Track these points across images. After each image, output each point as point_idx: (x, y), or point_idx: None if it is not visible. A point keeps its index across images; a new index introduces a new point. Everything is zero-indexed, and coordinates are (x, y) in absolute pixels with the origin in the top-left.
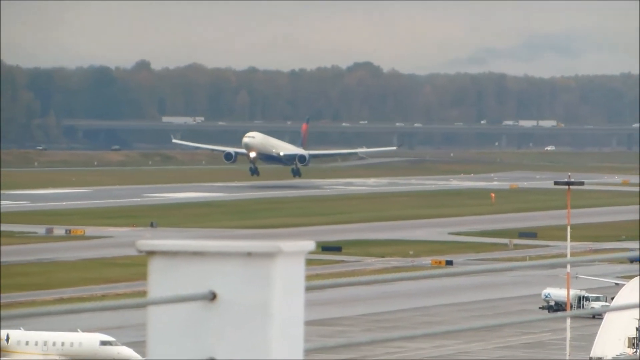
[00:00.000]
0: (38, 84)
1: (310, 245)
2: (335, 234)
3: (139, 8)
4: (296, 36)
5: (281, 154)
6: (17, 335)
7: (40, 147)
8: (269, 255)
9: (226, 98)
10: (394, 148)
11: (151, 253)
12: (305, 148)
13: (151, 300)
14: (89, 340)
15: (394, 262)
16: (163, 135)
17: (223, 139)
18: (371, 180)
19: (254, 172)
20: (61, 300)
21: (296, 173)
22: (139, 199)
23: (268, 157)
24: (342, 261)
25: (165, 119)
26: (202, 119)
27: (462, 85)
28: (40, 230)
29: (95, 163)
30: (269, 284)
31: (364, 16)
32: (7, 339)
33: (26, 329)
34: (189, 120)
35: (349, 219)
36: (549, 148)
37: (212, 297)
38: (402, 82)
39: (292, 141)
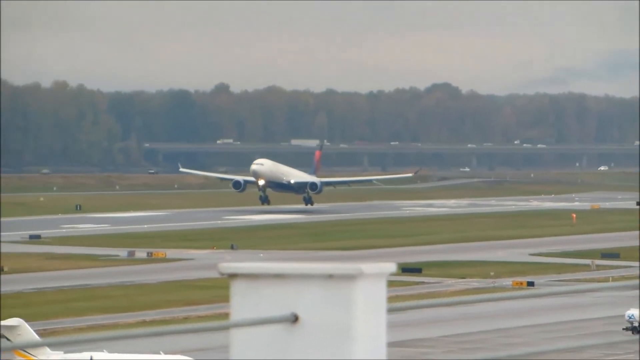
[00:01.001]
0: (119, 107)
1: (391, 267)
2: (415, 255)
3: (217, 32)
4: (374, 58)
5: (292, 181)
6: (100, 357)
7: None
8: (350, 277)
9: (304, 120)
10: (411, 175)
11: (233, 276)
12: (317, 175)
13: (234, 323)
14: None
15: (474, 283)
16: (242, 158)
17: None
18: (451, 202)
19: (264, 200)
20: (143, 323)
21: (308, 201)
22: (219, 222)
23: (278, 185)
24: (423, 282)
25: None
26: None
27: (541, 106)
28: (123, 253)
29: (176, 186)
30: (351, 305)
31: (442, 37)
32: None
33: (110, 351)
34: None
35: (429, 240)
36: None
37: (294, 319)
38: (481, 103)
39: (371, 163)
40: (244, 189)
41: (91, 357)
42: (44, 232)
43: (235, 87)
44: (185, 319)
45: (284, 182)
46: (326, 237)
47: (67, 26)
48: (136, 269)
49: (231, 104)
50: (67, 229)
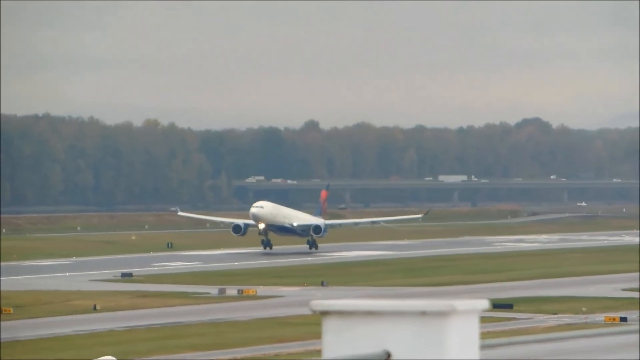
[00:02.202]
0: (209, 145)
1: (483, 304)
2: (506, 291)
3: (307, 69)
4: (463, 93)
5: (294, 224)
6: None
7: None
8: (443, 314)
9: (394, 156)
10: (420, 216)
11: (325, 313)
12: (324, 217)
13: None
14: None
15: (566, 319)
16: (332, 194)
17: (390, 197)
18: (542, 237)
19: (267, 244)
20: None
21: (312, 245)
22: (309, 258)
23: (280, 228)
24: (514, 318)
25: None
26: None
27: (633, 140)
28: (213, 290)
29: None
30: (444, 342)
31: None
32: None
33: None
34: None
35: (521, 275)
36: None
37: (387, 356)
38: (572, 138)
39: (461, 198)
40: (244, 233)
41: None
42: (135, 270)
43: (325, 124)
44: (276, 356)
45: (286, 225)
46: (418, 273)
47: (157, 66)
48: (227, 307)
49: (320, 141)
50: (159, 267)
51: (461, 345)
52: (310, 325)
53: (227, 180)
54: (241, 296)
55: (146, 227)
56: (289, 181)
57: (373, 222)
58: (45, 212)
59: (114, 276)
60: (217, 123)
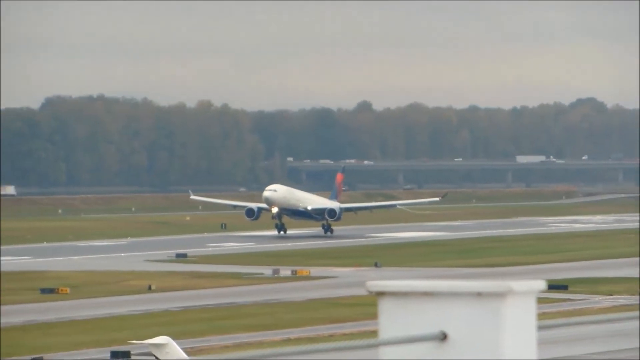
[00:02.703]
0: (262, 126)
1: (540, 284)
2: (561, 272)
3: (360, 50)
4: (517, 73)
5: (309, 208)
6: None
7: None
8: (500, 295)
9: (447, 137)
10: (438, 199)
11: (381, 294)
12: (339, 200)
13: (383, 341)
14: None
15: (622, 299)
16: (385, 176)
17: (443, 179)
18: (597, 217)
19: (281, 228)
20: (289, 341)
21: (327, 229)
22: (362, 239)
23: (294, 212)
24: (569, 299)
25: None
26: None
27: None
28: (267, 271)
29: None
30: (500, 324)
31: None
32: None
33: None
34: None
35: (575, 256)
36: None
37: (443, 337)
38: (627, 118)
39: (514, 179)
40: (257, 217)
41: None
42: (190, 251)
43: (378, 105)
44: (330, 337)
45: (300, 208)
46: (472, 254)
47: (209, 47)
48: (281, 287)
49: (373, 121)
50: (213, 248)
51: (518, 327)
52: (364, 305)
53: (280, 161)
54: (295, 277)
55: (200, 207)
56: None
57: (389, 206)
58: (100, 192)
59: (169, 257)
60: (270, 104)
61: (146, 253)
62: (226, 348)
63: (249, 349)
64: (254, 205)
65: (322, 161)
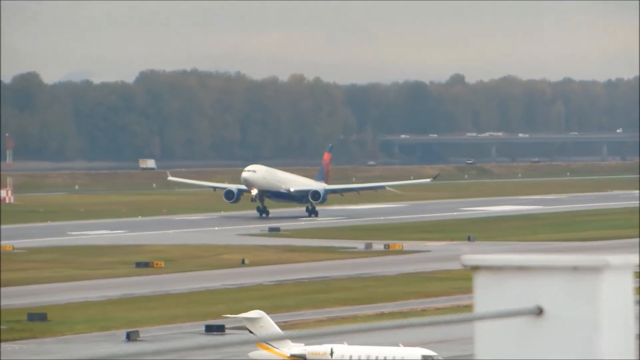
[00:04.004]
0: (355, 100)
1: (637, 259)
2: None
3: (452, 23)
4: (612, 44)
5: (291, 189)
6: (340, 349)
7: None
8: (596, 269)
9: (541, 110)
10: (429, 180)
11: (476, 268)
12: (327, 182)
13: (478, 315)
14: (411, 354)
15: None
16: (480, 149)
17: (537, 152)
18: None
19: (262, 211)
20: (382, 315)
21: (311, 212)
22: (455, 213)
23: (276, 194)
24: None
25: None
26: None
27: None
28: (360, 245)
29: (412, 177)
30: (597, 298)
31: None
32: (332, 353)
33: (350, 343)
34: (503, 134)
35: None
36: None
37: (539, 312)
38: None
39: (610, 152)
40: (237, 200)
41: (331, 349)
42: (283, 225)
43: (471, 78)
44: (423, 311)
45: (282, 190)
46: (567, 227)
47: (301, 20)
48: (373, 261)
49: (466, 94)
50: (306, 222)
51: (615, 301)
52: (457, 280)
53: (373, 135)
54: (387, 251)
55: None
56: (434, 135)
57: (377, 187)
58: (193, 166)
59: (262, 231)
60: (362, 77)
61: (239, 227)
62: (320, 322)
63: (342, 322)
64: (233, 187)
65: (414, 135)
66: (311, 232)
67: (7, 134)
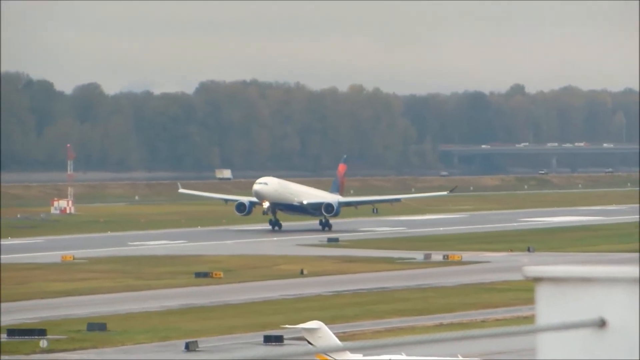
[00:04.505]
0: (414, 110)
1: None
2: None
3: (512, 33)
4: None
5: (304, 202)
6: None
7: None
8: None
9: (602, 120)
10: (446, 193)
11: (538, 279)
12: (342, 193)
13: (540, 327)
14: None
15: None
16: (539, 159)
17: (601, 163)
18: None
19: (275, 224)
20: (441, 326)
21: (325, 225)
22: (515, 224)
23: (288, 207)
24: None
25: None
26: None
27: None
28: (419, 256)
29: (471, 188)
30: None
31: None
32: None
33: (408, 354)
34: (565, 144)
35: None
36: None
37: (602, 323)
38: None
39: None
40: (249, 212)
41: (390, 359)
42: (341, 235)
43: (531, 88)
44: (483, 322)
45: (295, 203)
46: (628, 238)
47: (360, 30)
48: (432, 272)
49: (526, 104)
50: (364, 232)
51: None
52: (517, 291)
53: (432, 145)
54: (446, 261)
55: (351, 192)
56: (494, 145)
57: (393, 200)
58: (252, 177)
59: (320, 241)
60: (421, 87)
61: (298, 237)
62: (378, 333)
63: (401, 333)
64: (245, 199)
65: (474, 145)
66: (370, 242)
67: (68, 145)
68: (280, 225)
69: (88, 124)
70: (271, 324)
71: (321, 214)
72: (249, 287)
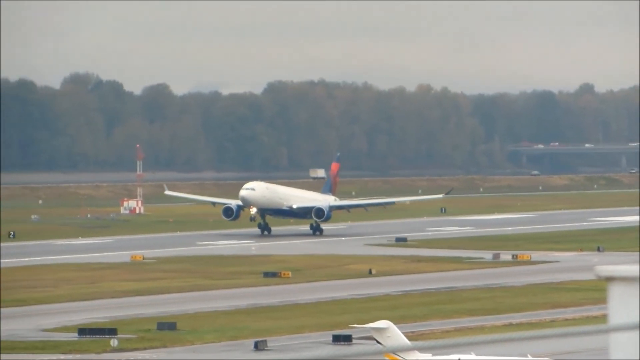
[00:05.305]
0: (482, 110)
1: None
2: None
3: (579, 32)
4: None
5: (294, 206)
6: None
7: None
8: None
9: None
10: (441, 196)
11: (610, 279)
12: (334, 193)
13: (613, 327)
14: None
15: None
16: (609, 159)
17: None
18: None
19: (264, 228)
20: (510, 326)
21: (316, 229)
22: (584, 223)
23: (278, 212)
24: None
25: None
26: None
27: None
28: (487, 255)
29: (540, 187)
30: None
31: None
32: None
33: (477, 354)
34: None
35: None
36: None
37: None
38: None
39: None
40: (236, 217)
41: (459, 359)
42: (410, 235)
43: (600, 87)
44: (552, 322)
45: (284, 208)
46: None
47: (427, 30)
48: (501, 272)
49: (595, 104)
50: (433, 232)
51: None
52: (586, 290)
53: (500, 145)
54: (515, 261)
55: (420, 191)
56: (563, 144)
57: (386, 203)
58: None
59: (389, 241)
60: (489, 87)
61: (366, 237)
62: (447, 333)
63: (470, 333)
64: (233, 203)
65: (542, 145)
66: (438, 242)
67: (137, 145)
68: (269, 229)
69: (157, 124)
70: (340, 323)
71: (312, 218)
72: (318, 286)
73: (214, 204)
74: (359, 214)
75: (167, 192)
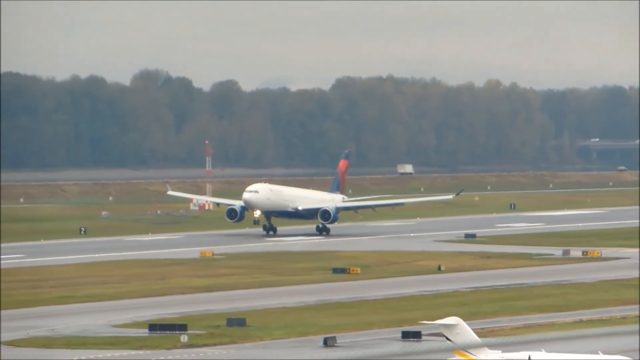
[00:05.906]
0: (552, 105)
1: None
2: None
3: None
4: None
5: (299, 208)
6: (539, 356)
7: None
8: None
9: None
10: (452, 196)
11: None
12: (343, 192)
13: None
14: None
15: None
16: None
17: None
18: None
19: (269, 229)
20: (580, 323)
21: (322, 230)
22: None
23: (283, 214)
24: None
25: None
26: None
27: None
28: (557, 252)
29: (610, 184)
30: None
31: None
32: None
33: (548, 351)
34: None
35: None
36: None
37: None
38: None
39: None
40: (241, 219)
41: (529, 356)
42: (479, 231)
43: None
44: (623, 319)
45: (290, 209)
46: None
47: (496, 25)
48: (571, 268)
49: None
50: (502, 228)
51: None
52: None
53: (570, 141)
54: (586, 257)
55: (489, 187)
56: (633, 141)
57: (395, 204)
58: (387, 173)
59: (457, 237)
60: (559, 82)
61: (435, 233)
62: (516, 329)
63: (540, 330)
64: (237, 204)
65: (612, 141)
66: (507, 238)
67: (206, 141)
68: (275, 230)
69: (226, 120)
70: (409, 319)
71: (316, 219)
72: (386, 283)
73: (218, 204)
74: (427, 209)
75: (170, 193)
